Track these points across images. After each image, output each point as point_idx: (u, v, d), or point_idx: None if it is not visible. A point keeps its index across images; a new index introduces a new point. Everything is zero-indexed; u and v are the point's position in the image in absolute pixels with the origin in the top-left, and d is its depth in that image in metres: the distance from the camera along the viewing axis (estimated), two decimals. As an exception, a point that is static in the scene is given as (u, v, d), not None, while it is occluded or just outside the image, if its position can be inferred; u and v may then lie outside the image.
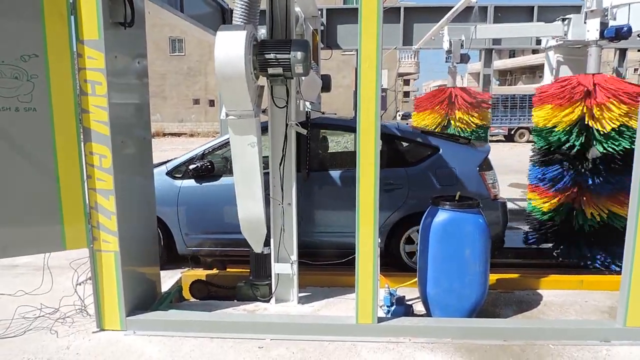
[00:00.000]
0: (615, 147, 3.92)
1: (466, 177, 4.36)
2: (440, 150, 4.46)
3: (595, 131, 3.99)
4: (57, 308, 3.47)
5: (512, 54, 38.94)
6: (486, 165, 4.49)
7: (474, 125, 5.49)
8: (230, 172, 4.50)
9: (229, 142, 4.55)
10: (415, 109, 6.13)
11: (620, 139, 3.92)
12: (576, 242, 4.35)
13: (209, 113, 31.15)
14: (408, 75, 40.34)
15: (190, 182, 4.45)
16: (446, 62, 5.55)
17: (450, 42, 5.26)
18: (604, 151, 3.97)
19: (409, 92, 44.48)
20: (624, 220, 4.09)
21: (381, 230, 4.24)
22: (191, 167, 4.40)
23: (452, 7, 4.93)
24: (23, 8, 2.81)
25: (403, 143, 4.66)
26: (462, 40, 5.27)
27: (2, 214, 2.94)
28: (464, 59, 5.43)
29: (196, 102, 31.78)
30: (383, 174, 4.26)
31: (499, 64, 39.81)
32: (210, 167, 4.43)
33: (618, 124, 3.90)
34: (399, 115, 32.78)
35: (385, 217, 4.26)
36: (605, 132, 3.92)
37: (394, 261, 4.38)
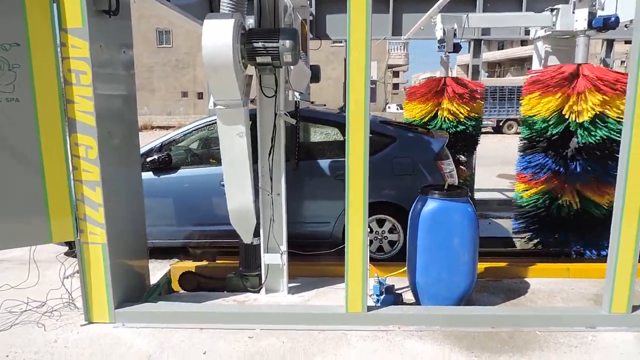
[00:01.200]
0: (590, 139, 3.97)
1: (423, 166, 4.42)
2: (397, 139, 4.48)
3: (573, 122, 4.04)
4: (44, 302, 3.43)
5: (501, 45, 39.11)
6: (443, 155, 4.54)
7: (462, 117, 5.47)
8: (188, 164, 4.60)
9: (188, 133, 4.67)
10: (407, 97, 6.09)
11: (596, 129, 3.97)
12: (555, 230, 4.43)
13: (197, 106, 30.89)
14: (397, 67, 40.33)
15: (148, 175, 4.40)
16: (438, 51, 5.51)
17: (443, 30, 5.23)
18: (582, 141, 4.02)
19: (398, 84, 44.49)
20: (602, 209, 4.17)
21: (338, 219, 4.34)
22: (148, 159, 4.37)
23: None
24: (3, -6, 2.74)
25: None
26: (455, 29, 5.26)
27: (-13, 207, 2.89)
28: (457, 48, 5.41)
29: (184, 94, 31.50)
30: (339, 163, 4.34)
31: (488, 55, 39.94)
32: (168, 159, 4.43)
33: (592, 114, 3.94)
34: (389, 107, 32.75)
35: (342, 207, 4.28)
36: (580, 122, 3.97)
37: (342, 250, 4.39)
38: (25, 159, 2.94)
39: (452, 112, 5.43)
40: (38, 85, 2.88)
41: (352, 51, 2.83)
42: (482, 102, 5.78)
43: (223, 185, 4.18)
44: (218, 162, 4.54)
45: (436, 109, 5.59)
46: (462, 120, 5.48)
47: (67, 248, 4.63)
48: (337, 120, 4.70)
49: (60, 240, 3.26)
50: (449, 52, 5.45)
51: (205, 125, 4.68)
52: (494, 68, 41.77)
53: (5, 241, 3.03)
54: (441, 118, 5.49)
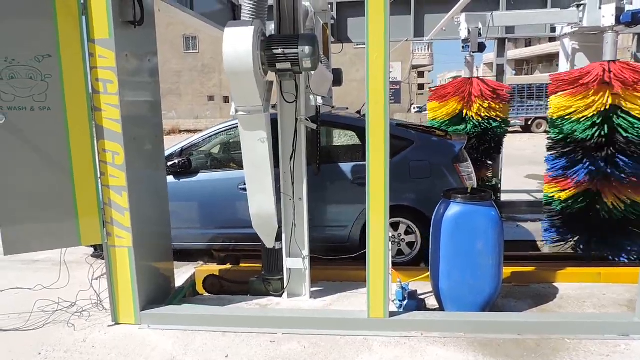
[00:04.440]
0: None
1: (440, 170, 4.37)
2: (415, 143, 4.45)
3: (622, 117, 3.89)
4: (74, 302, 3.55)
5: (528, 42, 38.16)
6: (462, 158, 4.49)
7: (487, 117, 5.38)
8: (208, 168, 4.69)
9: (207, 137, 4.75)
10: (431, 98, 6.01)
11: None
12: (598, 234, 4.25)
13: (223, 109, 31.34)
14: (422, 67, 39.91)
15: (169, 179, 4.47)
16: (463, 51, 5.42)
17: (468, 30, 5.14)
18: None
19: (423, 84, 44.04)
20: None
21: (355, 223, 4.34)
22: (169, 164, 4.45)
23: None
24: (36, 9, 2.86)
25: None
26: (480, 29, 5.16)
27: (22, 212, 3.02)
28: (481, 47, 5.31)
29: (211, 98, 32.01)
30: (357, 167, 4.37)
31: (516, 53, 39.08)
32: (188, 163, 4.52)
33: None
34: (414, 108, 32.42)
35: (360, 211, 4.29)
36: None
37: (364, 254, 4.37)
38: (56, 164, 3.05)
39: (477, 113, 5.34)
40: (68, 94, 3.00)
41: (370, 55, 2.82)
42: (507, 104, 5.66)
43: (241, 189, 4.19)
44: (237, 166, 4.65)
45: (461, 109, 5.52)
46: (487, 121, 5.38)
47: (92, 250, 4.78)
48: (354, 124, 4.71)
49: (88, 244, 3.36)
50: (474, 52, 5.35)
51: (224, 130, 4.77)
52: (522, 66, 40.83)
53: (38, 244, 3.16)
54: (467, 119, 5.42)
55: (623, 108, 3.90)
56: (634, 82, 3.81)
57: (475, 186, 4.45)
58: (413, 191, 4.38)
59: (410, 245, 4.48)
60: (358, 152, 4.52)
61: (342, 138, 5.25)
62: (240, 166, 4.61)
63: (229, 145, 5.02)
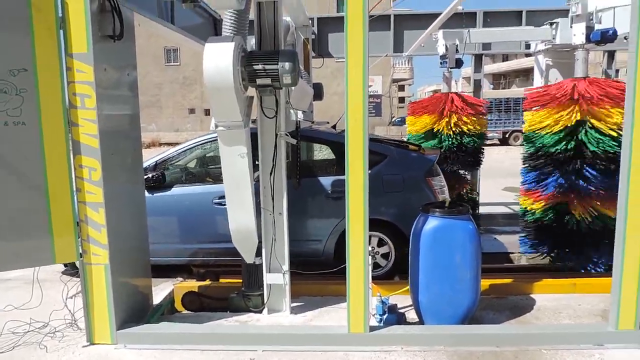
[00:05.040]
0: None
1: (413, 184, 4.44)
2: (388, 157, 4.50)
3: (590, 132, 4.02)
4: (47, 322, 3.44)
5: (506, 57, 39.15)
6: (434, 171, 4.57)
7: (465, 131, 5.45)
8: (182, 182, 4.67)
9: (182, 152, 4.75)
10: (410, 112, 6.10)
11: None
12: (567, 245, 4.37)
13: (204, 122, 31.15)
14: (403, 81, 40.49)
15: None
16: (441, 66, 5.52)
17: (445, 46, 5.25)
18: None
19: (404, 97, 44.64)
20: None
21: (329, 237, 4.37)
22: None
23: (441, 14, 4.96)
24: (11, 23, 2.81)
25: None
26: (457, 45, 5.28)
27: (-8, 229, 2.93)
28: (459, 63, 5.43)
29: (192, 111, 31.80)
30: (331, 181, 4.41)
31: (493, 67, 40.02)
32: (162, 178, 4.49)
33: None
34: (395, 120, 32.77)
35: (334, 225, 4.34)
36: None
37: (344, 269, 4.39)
38: (30, 181, 2.98)
39: (455, 126, 5.41)
40: (44, 109, 2.94)
41: (350, 71, 2.86)
42: (485, 119, 5.76)
43: (216, 204, 4.17)
44: (212, 180, 4.66)
45: (438, 123, 5.58)
46: (465, 135, 5.45)
47: (63, 267, 4.67)
48: (328, 139, 4.76)
49: (63, 262, 3.30)
50: (452, 68, 5.46)
51: (199, 144, 4.77)
52: (499, 80, 41.80)
53: (10, 262, 3.06)
54: (444, 133, 5.48)
55: (591, 124, 4.03)
56: (599, 99, 3.95)
57: (450, 200, 4.52)
58: (387, 205, 4.41)
59: (386, 256, 4.51)
60: (332, 166, 4.59)
61: (316, 152, 5.29)
62: (215, 180, 4.64)
63: (204, 159, 5.02)
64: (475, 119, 5.52)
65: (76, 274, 4.38)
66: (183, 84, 31.37)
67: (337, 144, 4.65)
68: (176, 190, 4.56)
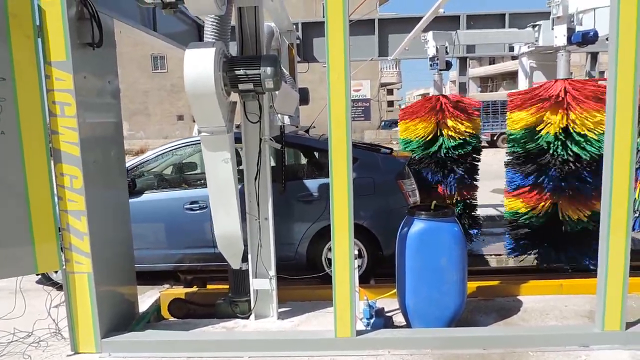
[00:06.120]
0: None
1: (384, 186, 4.46)
2: (359, 160, 4.47)
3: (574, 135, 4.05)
4: (31, 332, 3.40)
5: (492, 60, 39.54)
6: (405, 174, 4.59)
7: (466, 134, 5.14)
8: (153, 188, 4.67)
9: (153, 158, 4.74)
10: (402, 117, 5.82)
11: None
12: (557, 245, 4.38)
13: (193, 128, 31.00)
14: (391, 85, 40.73)
15: None
16: (430, 69, 5.38)
17: (436, 47, 5.16)
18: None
19: (392, 101, 44.88)
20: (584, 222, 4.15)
21: (301, 242, 4.38)
22: None
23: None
24: (-12, 32, 2.78)
25: (322, 154, 4.68)
26: (446, 47, 5.22)
27: (-28, 239, 2.88)
28: (448, 65, 5.35)
29: (180, 118, 31.62)
30: (302, 185, 4.42)
31: (480, 70, 40.37)
32: (132, 184, 4.43)
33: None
34: (383, 123, 32.87)
35: (305, 229, 4.36)
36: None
37: (317, 272, 4.36)
38: (11, 189, 2.94)
39: (455, 130, 5.11)
40: (23, 118, 2.91)
41: (331, 75, 2.86)
42: (479, 120, 5.57)
43: (188, 209, 4.23)
44: (185, 186, 4.69)
45: (436, 128, 5.23)
46: (466, 137, 5.17)
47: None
48: (299, 143, 4.78)
49: (45, 271, 3.25)
50: (441, 70, 5.31)
51: (170, 150, 4.76)
52: (487, 83, 42.16)
53: (-9, 272, 3.01)
54: (446, 138, 5.18)
55: (573, 126, 4.06)
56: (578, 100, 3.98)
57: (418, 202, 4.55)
58: (358, 208, 4.38)
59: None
60: (303, 169, 4.60)
61: (288, 157, 5.27)
62: (188, 185, 4.68)
63: (176, 165, 5.02)
64: (472, 121, 5.26)
65: (48, 283, 4.35)
66: (171, 91, 31.20)
67: (307, 147, 4.71)
68: (147, 196, 4.52)
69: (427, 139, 5.29)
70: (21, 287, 3.46)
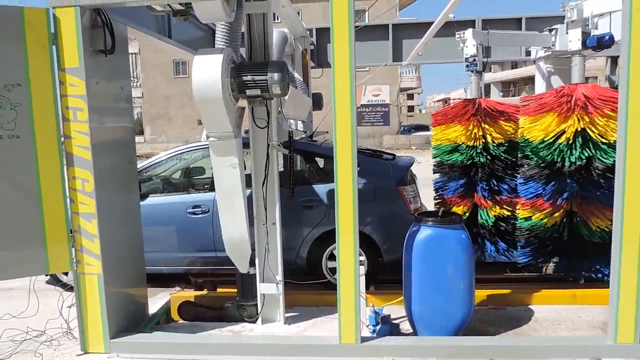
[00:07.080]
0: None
1: (385, 192, 4.42)
2: (360, 166, 4.42)
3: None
4: (44, 331, 3.49)
5: (515, 64, 38.93)
6: (406, 180, 4.54)
7: (501, 138, 4.43)
8: (158, 192, 4.73)
9: (157, 162, 4.80)
10: (437, 122, 5.29)
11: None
12: (577, 256, 4.23)
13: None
14: (411, 90, 40.44)
15: None
16: (467, 69, 5.06)
17: (476, 47, 4.90)
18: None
19: (413, 106, 44.57)
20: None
21: (302, 247, 4.38)
22: None
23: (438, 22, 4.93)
24: (5, 39, 2.89)
25: (323, 160, 4.70)
26: (482, 46, 4.97)
27: (-12, 239, 2.98)
28: (484, 67, 5.14)
29: (200, 122, 32.08)
30: (303, 191, 4.41)
31: (502, 75, 39.76)
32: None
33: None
34: (402, 129, 32.60)
35: (305, 234, 4.36)
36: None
37: (316, 277, 4.39)
38: (24, 193, 3.04)
39: (500, 133, 4.53)
40: (37, 123, 3.01)
41: (336, 81, 2.87)
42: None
43: (190, 213, 4.29)
44: (188, 190, 4.77)
45: (477, 131, 4.56)
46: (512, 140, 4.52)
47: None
48: (301, 148, 4.74)
49: (57, 272, 3.33)
50: (479, 72, 4.75)
51: (175, 155, 4.84)
52: (509, 87, 41.53)
53: (4, 272, 3.11)
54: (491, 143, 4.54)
55: (591, 133, 3.93)
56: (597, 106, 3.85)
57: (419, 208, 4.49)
58: (358, 214, 4.36)
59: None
60: (303, 175, 4.62)
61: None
62: (192, 189, 4.75)
63: (180, 169, 5.09)
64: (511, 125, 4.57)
65: (60, 285, 4.44)
66: (192, 96, 31.64)
67: (308, 153, 4.72)
68: (151, 200, 4.57)
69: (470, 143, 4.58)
70: (37, 287, 3.56)
